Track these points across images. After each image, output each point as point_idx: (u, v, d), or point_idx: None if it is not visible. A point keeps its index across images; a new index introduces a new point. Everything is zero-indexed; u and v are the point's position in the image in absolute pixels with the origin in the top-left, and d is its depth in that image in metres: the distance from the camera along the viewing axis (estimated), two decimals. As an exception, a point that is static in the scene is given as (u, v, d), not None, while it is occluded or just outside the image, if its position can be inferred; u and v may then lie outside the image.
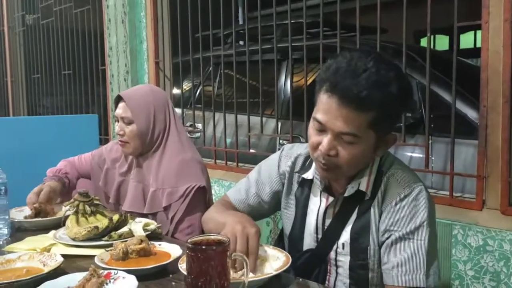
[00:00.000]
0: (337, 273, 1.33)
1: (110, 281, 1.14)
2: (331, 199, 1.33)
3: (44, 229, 1.67)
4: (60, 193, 1.90)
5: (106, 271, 1.17)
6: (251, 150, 2.84)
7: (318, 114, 1.19)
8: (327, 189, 1.34)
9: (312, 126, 1.22)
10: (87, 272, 1.12)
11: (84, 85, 4.14)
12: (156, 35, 3.27)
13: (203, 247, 0.99)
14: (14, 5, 5.14)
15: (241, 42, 3.42)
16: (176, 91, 3.54)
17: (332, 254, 1.32)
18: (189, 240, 1.01)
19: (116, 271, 1.18)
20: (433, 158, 2.16)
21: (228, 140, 2.95)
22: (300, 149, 1.45)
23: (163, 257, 1.33)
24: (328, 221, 1.33)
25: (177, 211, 1.73)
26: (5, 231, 1.63)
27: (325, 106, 1.16)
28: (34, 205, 1.76)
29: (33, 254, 1.33)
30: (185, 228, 1.74)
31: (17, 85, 5.28)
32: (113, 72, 3.52)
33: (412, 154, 2.27)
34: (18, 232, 1.69)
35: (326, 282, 1.35)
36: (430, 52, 1.97)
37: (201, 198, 1.75)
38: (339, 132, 1.16)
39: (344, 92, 1.12)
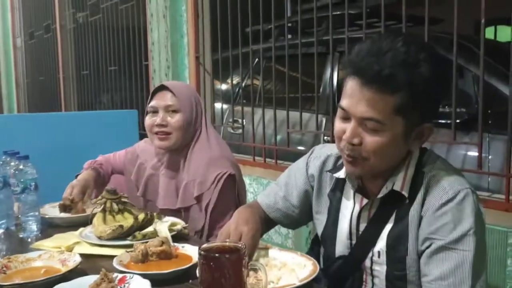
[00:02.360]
0: (373, 283, 1.21)
1: (124, 286, 1.09)
2: (365, 201, 1.21)
3: (75, 225, 1.64)
4: (95, 182, 1.89)
5: (121, 275, 1.12)
6: (294, 148, 2.72)
7: (342, 100, 1.10)
8: (361, 190, 1.22)
9: (337, 115, 1.13)
10: (98, 276, 1.07)
11: (129, 81, 4.19)
12: (196, 29, 3.23)
13: (216, 254, 0.91)
14: (65, 2, 5.28)
15: (290, 36, 3.30)
16: (216, 86, 3.48)
17: (367, 263, 1.20)
18: (202, 247, 0.93)
19: (131, 275, 1.12)
20: (490, 157, 1.98)
21: (278, 137, 2.85)
22: (331, 149, 1.33)
23: (184, 260, 1.26)
24: (362, 226, 1.21)
25: (210, 200, 1.69)
26: (35, 227, 1.62)
27: (349, 91, 1.08)
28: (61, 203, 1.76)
29: (53, 253, 1.31)
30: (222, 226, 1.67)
31: (68, 82, 5.43)
32: (155, 67, 3.52)
33: (467, 152, 2.08)
34: (50, 228, 1.68)
35: (362, 292, 1.23)
36: (484, 40, 1.81)
37: (232, 187, 1.72)
38: (361, 118, 1.06)
39: (365, 70, 1.03)
